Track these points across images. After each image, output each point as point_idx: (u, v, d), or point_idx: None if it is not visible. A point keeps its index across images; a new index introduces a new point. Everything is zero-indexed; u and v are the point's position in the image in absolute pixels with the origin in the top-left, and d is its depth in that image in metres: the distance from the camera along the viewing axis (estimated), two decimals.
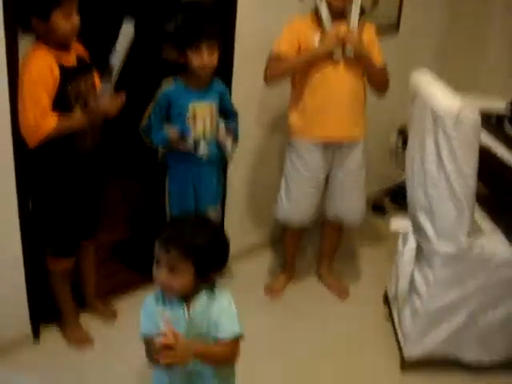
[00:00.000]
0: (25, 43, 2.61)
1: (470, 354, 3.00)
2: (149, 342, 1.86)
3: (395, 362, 3.12)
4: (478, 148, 2.60)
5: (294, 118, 3.26)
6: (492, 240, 2.86)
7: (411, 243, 3.19)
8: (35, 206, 2.87)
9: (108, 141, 2.98)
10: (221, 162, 3.26)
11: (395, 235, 3.46)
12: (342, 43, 3.03)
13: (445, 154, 2.61)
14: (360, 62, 3.10)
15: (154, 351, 1.76)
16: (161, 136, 2.97)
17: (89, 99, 2.71)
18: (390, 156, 4.60)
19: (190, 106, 2.97)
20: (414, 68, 3.12)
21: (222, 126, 3.11)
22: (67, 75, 2.63)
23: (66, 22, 2.55)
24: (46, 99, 2.58)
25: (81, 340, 3.10)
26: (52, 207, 2.85)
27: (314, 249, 3.94)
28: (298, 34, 3.10)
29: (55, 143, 2.64)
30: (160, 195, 3.17)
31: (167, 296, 1.89)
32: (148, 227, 3.06)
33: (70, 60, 2.69)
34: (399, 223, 3.23)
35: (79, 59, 2.75)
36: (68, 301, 3.12)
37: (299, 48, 3.09)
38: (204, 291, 1.89)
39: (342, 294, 3.69)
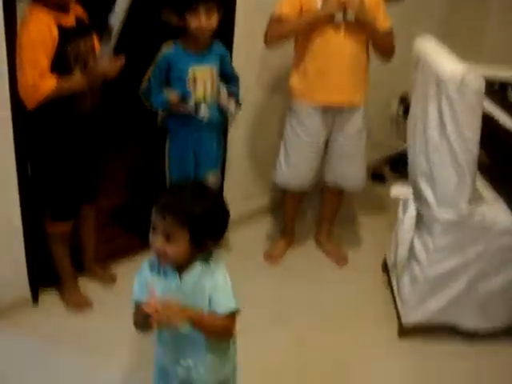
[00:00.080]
0: (23, 5, 2.57)
1: (468, 321, 3.01)
2: (138, 308, 1.84)
3: (393, 328, 3.13)
4: (481, 113, 2.58)
5: (295, 81, 3.24)
6: (493, 208, 2.85)
7: (411, 211, 3.18)
8: (34, 169, 2.85)
9: (107, 105, 2.96)
10: (221, 126, 3.24)
11: (395, 205, 3.46)
12: (344, 7, 3.00)
13: (447, 119, 2.59)
14: (362, 26, 3.06)
15: (141, 318, 1.77)
16: (161, 99, 2.95)
17: (88, 61, 2.68)
18: (390, 124, 4.57)
19: (190, 70, 2.95)
20: (418, 35, 3.08)
21: (223, 90, 3.08)
22: (66, 36, 2.60)
23: None
24: (44, 60, 2.55)
25: (79, 303, 3.11)
26: (51, 170, 2.83)
27: (314, 213, 3.94)
28: None
29: (54, 105, 2.61)
30: (160, 160, 3.16)
31: (162, 263, 1.86)
32: (148, 192, 3.04)
33: (69, 21, 2.65)
34: (400, 190, 3.22)
35: (78, 20, 2.71)
36: (67, 265, 3.12)
37: (301, 10, 3.06)
38: (199, 262, 1.86)
39: (341, 260, 3.69)
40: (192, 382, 1.99)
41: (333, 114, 3.27)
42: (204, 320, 1.81)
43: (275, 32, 3.09)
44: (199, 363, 1.95)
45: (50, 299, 3.14)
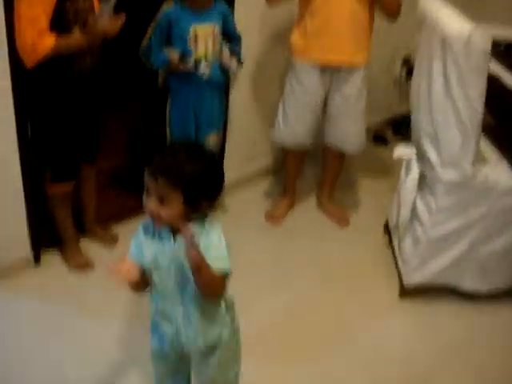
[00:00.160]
0: None
1: (470, 283, 3.02)
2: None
3: (394, 289, 3.14)
4: (487, 73, 2.54)
5: (296, 38, 3.22)
6: (497, 169, 2.83)
7: (414, 172, 3.17)
8: (34, 130, 2.83)
9: (107, 64, 2.92)
10: (223, 85, 3.21)
11: (397, 167, 3.44)
12: None
13: (453, 78, 2.56)
14: None
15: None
16: (161, 57, 2.92)
17: (88, 19, 2.63)
18: (393, 86, 4.53)
19: (191, 28, 2.91)
20: None
21: (225, 49, 3.05)
22: None
23: None
24: (43, 18, 2.51)
25: (81, 264, 3.12)
26: (51, 129, 2.81)
27: (316, 174, 3.93)
28: None
29: (53, 63, 2.58)
30: (161, 122, 3.13)
31: (156, 226, 1.84)
32: (148, 153, 3.02)
33: None
34: (403, 150, 3.20)
35: None
36: (68, 225, 3.12)
37: None
38: (194, 223, 1.84)
39: (342, 221, 3.69)
40: (182, 346, 2.00)
41: (331, 73, 3.23)
42: (204, 263, 1.77)
43: None
44: (187, 324, 1.95)
45: (52, 260, 3.15)
